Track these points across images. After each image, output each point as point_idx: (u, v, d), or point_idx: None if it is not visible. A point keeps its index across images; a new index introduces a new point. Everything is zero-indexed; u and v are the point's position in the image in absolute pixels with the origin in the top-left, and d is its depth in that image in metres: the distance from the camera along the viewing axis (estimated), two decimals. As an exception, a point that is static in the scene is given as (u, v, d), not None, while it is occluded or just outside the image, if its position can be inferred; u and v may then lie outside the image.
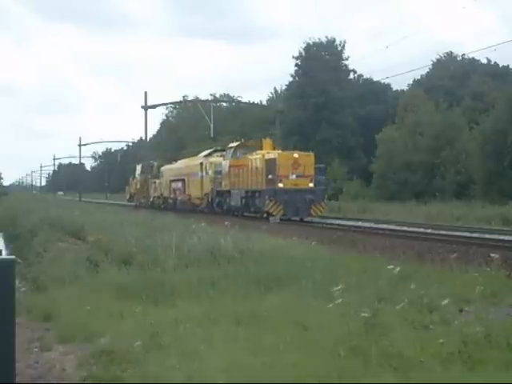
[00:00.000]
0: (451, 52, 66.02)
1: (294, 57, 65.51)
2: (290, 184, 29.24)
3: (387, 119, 55.99)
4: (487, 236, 19.86)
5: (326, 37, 66.02)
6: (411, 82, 66.69)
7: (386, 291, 8.77)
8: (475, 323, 6.96)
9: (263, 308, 8.11)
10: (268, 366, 5.88)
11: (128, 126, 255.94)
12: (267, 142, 34.21)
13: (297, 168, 29.43)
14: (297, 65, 65.47)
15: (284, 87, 73.36)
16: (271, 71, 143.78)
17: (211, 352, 6.29)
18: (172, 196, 47.04)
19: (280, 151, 32.36)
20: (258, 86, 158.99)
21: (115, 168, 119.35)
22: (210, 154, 41.44)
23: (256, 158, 31.56)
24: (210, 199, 38.40)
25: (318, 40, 65.45)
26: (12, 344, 4.35)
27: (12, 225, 33.60)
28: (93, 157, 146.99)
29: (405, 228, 23.66)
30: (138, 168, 57.39)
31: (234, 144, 36.14)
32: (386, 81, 59.99)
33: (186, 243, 13.53)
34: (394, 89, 70.16)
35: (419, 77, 65.30)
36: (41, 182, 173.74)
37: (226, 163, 35.13)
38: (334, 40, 65.80)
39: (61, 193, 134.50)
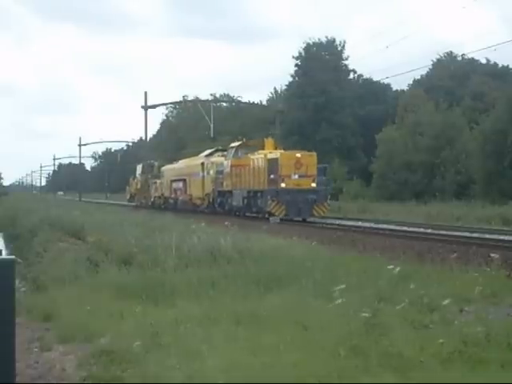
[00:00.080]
0: (451, 52, 66.13)
1: (293, 57, 65.66)
2: (293, 184, 29.03)
3: (387, 119, 55.99)
4: (487, 236, 19.86)
5: (326, 37, 66.19)
6: (411, 82, 66.80)
7: (386, 291, 8.77)
8: (475, 323, 6.96)
9: (263, 308, 8.11)
10: (268, 366, 5.88)
11: (128, 126, 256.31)
12: (269, 141, 33.94)
13: (299, 168, 29.20)
14: (297, 65, 65.50)
15: (284, 87, 73.48)
16: (271, 71, 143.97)
17: (211, 352, 6.29)
18: (173, 196, 46.89)
19: (282, 151, 32.08)
20: (258, 86, 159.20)
21: (115, 168, 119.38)
22: (211, 154, 41.25)
23: (258, 158, 31.34)
24: (211, 199, 38.25)
25: (317, 40, 65.60)
26: (12, 344, 4.35)
27: (12, 225, 33.59)
28: (93, 157, 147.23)
29: (405, 228, 23.66)
30: (139, 168, 57.24)
31: (236, 144, 35.92)
32: (386, 81, 60.10)
33: (186, 243, 13.53)
34: (394, 89, 70.32)
35: (419, 77, 65.44)
36: (41, 182, 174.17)
37: (227, 163, 34.92)
38: (333, 40, 65.88)
39: (61, 193, 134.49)
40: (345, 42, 66.01)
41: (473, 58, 61.61)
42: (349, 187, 51.63)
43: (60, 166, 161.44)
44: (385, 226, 24.70)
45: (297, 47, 68.81)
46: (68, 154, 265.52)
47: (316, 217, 29.35)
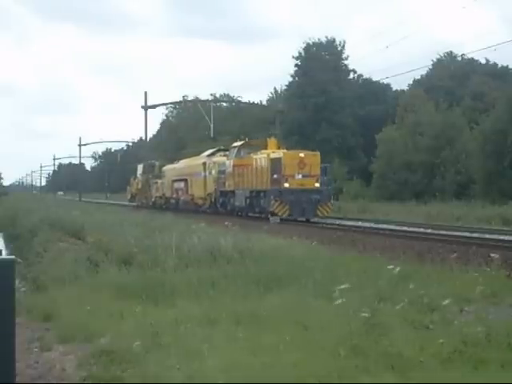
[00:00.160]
0: (451, 52, 66.14)
1: (293, 57, 65.63)
2: (296, 184, 28.87)
3: (387, 119, 55.98)
4: (487, 236, 19.86)
5: (326, 37, 66.19)
6: (411, 82, 66.78)
7: (386, 291, 8.77)
8: (475, 323, 6.96)
9: (263, 308, 8.11)
10: (268, 366, 5.88)
11: (128, 126, 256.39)
12: (272, 141, 33.68)
13: (303, 168, 29.05)
14: (297, 65, 65.49)
15: (284, 87, 73.45)
16: (271, 71, 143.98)
17: (211, 352, 6.29)
18: (174, 196, 46.69)
19: (285, 150, 31.87)
20: (258, 86, 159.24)
21: (115, 168, 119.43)
22: (213, 154, 41.04)
23: (261, 158, 31.11)
24: (213, 199, 38.07)
25: (317, 40, 65.58)
26: (12, 344, 4.35)
27: (12, 225, 33.58)
28: (93, 157, 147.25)
29: (405, 228, 23.66)
30: (140, 168, 57.07)
31: (238, 143, 35.64)
32: (386, 81, 60.07)
33: (186, 243, 13.53)
34: (394, 89, 70.30)
35: (419, 77, 65.42)
36: (41, 182, 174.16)
37: (229, 163, 34.70)
38: (333, 40, 65.88)
39: (61, 193, 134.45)
40: (345, 42, 66.15)
41: (473, 58, 61.74)
42: (349, 187, 51.61)
43: (60, 166, 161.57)
44: (385, 226, 24.70)
45: (297, 47, 68.80)
46: (68, 154, 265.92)
47: (320, 217, 29.15)
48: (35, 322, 9.05)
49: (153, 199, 51.70)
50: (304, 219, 29.27)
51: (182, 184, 44.70)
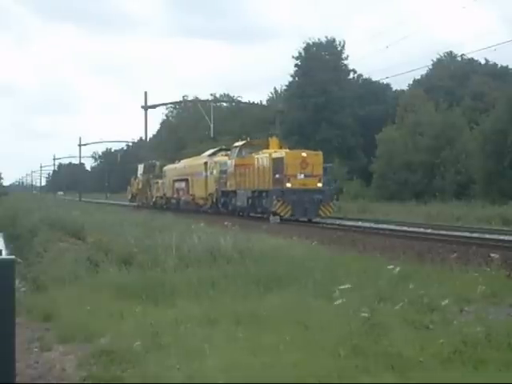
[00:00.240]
0: (451, 52, 66.16)
1: (293, 57, 65.61)
2: (298, 184, 28.75)
3: (387, 119, 55.97)
4: (487, 236, 19.86)
5: (326, 37, 66.17)
6: (411, 82, 66.78)
7: (386, 291, 8.77)
8: (475, 323, 6.95)
9: (263, 308, 8.11)
10: (268, 366, 5.87)
11: (128, 126, 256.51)
12: (274, 140, 33.51)
13: (305, 167, 28.91)
14: (297, 65, 65.47)
15: (284, 87, 73.44)
16: (271, 71, 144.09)
17: (211, 352, 6.29)
18: (175, 196, 46.51)
19: (287, 150, 31.74)
20: (258, 86, 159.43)
21: (115, 168, 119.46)
22: (214, 154, 40.83)
23: (263, 157, 30.97)
24: (214, 199, 37.91)
25: (317, 40, 65.57)
26: (12, 344, 4.35)
27: (12, 225, 33.59)
28: (93, 157, 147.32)
29: (405, 228, 23.66)
30: (140, 168, 56.90)
31: (240, 143, 35.47)
32: (386, 81, 60.10)
33: (186, 243, 13.53)
34: (394, 89, 70.30)
35: (419, 77, 65.41)
36: (41, 182, 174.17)
37: (231, 162, 34.53)
38: (333, 40, 65.88)
39: (61, 193, 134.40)
40: (344, 42, 66.14)
41: (472, 58, 61.77)
42: (349, 187, 51.57)
43: (60, 166, 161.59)
44: (385, 226, 24.71)
45: (297, 47, 68.71)
46: (68, 154, 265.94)
47: (322, 217, 29.02)
48: (35, 321, 9.05)
49: (153, 199, 51.57)
50: (305, 219, 29.17)
51: (183, 184, 44.50)
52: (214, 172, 37.87)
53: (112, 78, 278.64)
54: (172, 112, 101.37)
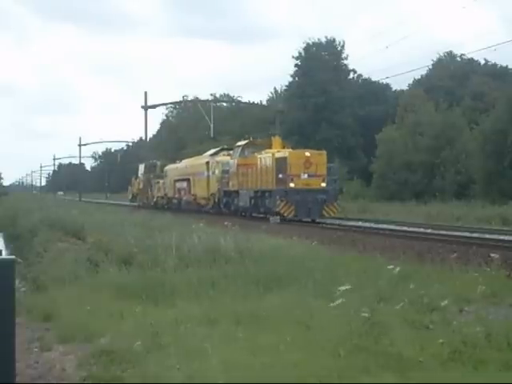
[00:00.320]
0: (451, 52, 66.16)
1: (293, 57, 65.61)
2: (302, 184, 28.51)
3: (387, 119, 55.98)
4: (487, 236, 19.86)
5: (326, 37, 66.18)
6: (411, 82, 66.79)
7: (386, 291, 8.77)
8: (475, 323, 6.95)
9: (263, 308, 8.11)
10: (268, 366, 5.87)
11: (128, 126, 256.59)
12: (276, 140, 33.23)
13: (308, 167, 28.69)
14: (296, 65, 65.47)
15: (284, 87, 73.44)
16: (271, 71, 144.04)
17: (211, 352, 6.29)
18: (176, 196, 46.20)
19: (291, 149, 31.48)
20: (258, 86, 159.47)
21: (115, 168, 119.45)
22: (216, 153, 40.44)
23: (266, 157, 30.69)
24: (216, 199, 37.61)
25: (317, 40, 65.57)
26: (12, 344, 4.35)
27: (12, 225, 33.60)
28: (93, 157, 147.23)
29: (405, 228, 23.66)
30: (141, 168, 56.61)
31: (242, 142, 35.17)
32: (386, 81, 60.07)
33: (186, 243, 13.53)
34: (394, 89, 70.31)
35: (419, 77, 65.42)
36: (41, 182, 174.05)
37: (233, 162, 34.21)
38: (333, 40, 65.89)
39: (61, 193, 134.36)
40: (344, 42, 66.18)
41: (472, 58, 61.80)
42: (349, 187, 51.53)
43: (60, 166, 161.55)
44: (385, 226, 24.70)
45: (296, 47, 68.76)
46: (68, 154, 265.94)
47: (326, 217, 28.79)
48: (35, 321, 9.05)
49: (154, 199, 51.37)
50: (308, 219, 29.00)
51: (184, 184, 44.16)
52: (216, 172, 37.53)
53: (112, 78, 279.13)
54: (172, 112, 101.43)
